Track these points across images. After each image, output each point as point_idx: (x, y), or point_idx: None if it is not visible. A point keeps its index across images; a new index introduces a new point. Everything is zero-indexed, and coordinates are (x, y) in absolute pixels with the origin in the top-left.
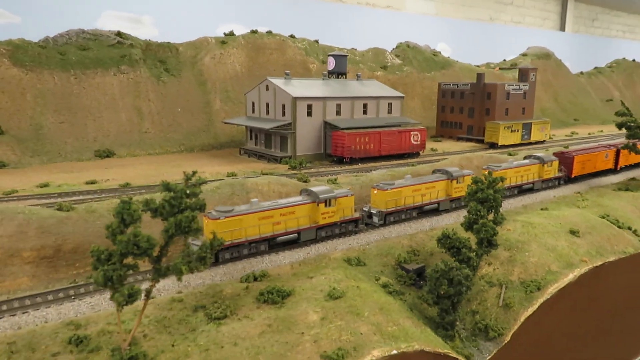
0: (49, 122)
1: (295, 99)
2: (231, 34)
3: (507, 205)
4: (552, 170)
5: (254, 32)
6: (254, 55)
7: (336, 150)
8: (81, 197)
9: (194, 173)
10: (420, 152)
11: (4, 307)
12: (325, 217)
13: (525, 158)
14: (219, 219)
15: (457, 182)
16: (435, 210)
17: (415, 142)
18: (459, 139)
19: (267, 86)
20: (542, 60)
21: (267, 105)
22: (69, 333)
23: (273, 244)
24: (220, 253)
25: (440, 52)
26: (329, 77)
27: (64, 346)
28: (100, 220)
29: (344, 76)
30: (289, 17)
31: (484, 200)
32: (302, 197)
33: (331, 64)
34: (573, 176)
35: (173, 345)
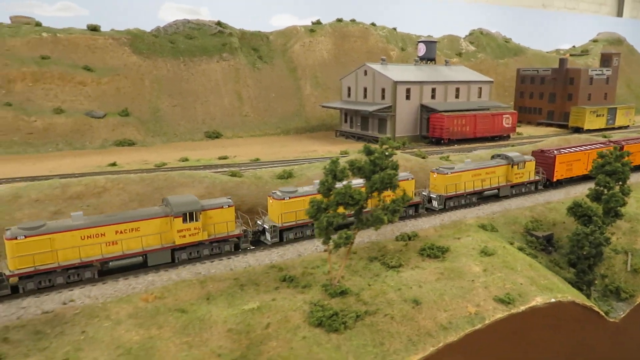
0: (164, 105)
1: (396, 83)
2: (318, 22)
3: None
4: (526, 173)
5: (339, 20)
6: (339, 42)
7: (434, 131)
8: (241, 168)
9: (388, 139)
10: (510, 135)
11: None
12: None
13: (492, 158)
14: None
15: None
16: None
17: (506, 125)
18: (539, 124)
19: (365, 71)
20: (613, 46)
21: (365, 89)
22: (279, 274)
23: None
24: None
25: (511, 39)
26: (420, 62)
27: (279, 283)
28: (267, 186)
29: (433, 62)
30: (369, 5)
31: (612, 172)
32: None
33: (421, 50)
34: (555, 180)
35: (369, 285)
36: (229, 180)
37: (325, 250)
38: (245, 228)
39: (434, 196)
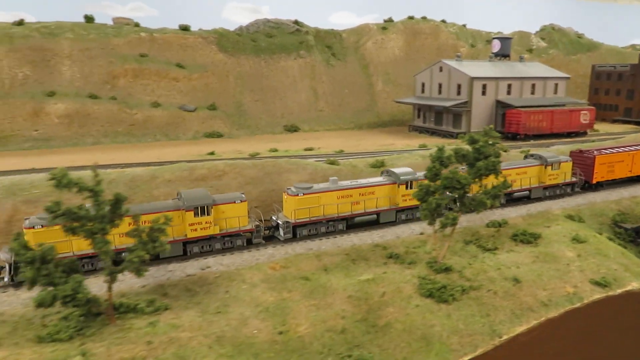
0: (247, 100)
1: (473, 79)
2: (390, 20)
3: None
4: (560, 175)
5: (410, 18)
6: (410, 39)
7: (510, 127)
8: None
9: (488, 131)
10: (587, 132)
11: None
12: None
13: (525, 157)
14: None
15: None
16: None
17: (584, 122)
18: (615, 121)
19: (440, 67)
20: None
21: (440, 85)
22: (384, 252)
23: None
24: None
25: (584, 34)
26: (494, 58)
27: (386, 259)
28: (362, 173)
29: (508, 58)
30: (438, 1)
31: None
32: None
33: (496, 46)
34: (594, 182)
35: (470, 264)
36: (328, 167)
37: (435, 231)
38: (257, 223)
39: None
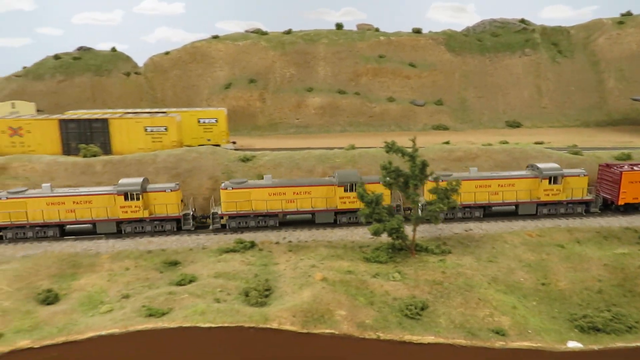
0: (470, 96)
1: None
2: (628, 14)
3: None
4: (564, 191)
5: None
6: None
7: None
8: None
9: None
10: None
11: None
12: None
13: (527, 168)
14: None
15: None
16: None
17: None
18: None
19: None
20: None
21: None
22: (635, 234)
23: None
24: None
25: None
26: None
27: (638, 239)
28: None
29: None
30: None
31: None
32: None
33: None
34: (621, 203)
35: None
36: (572, 157)
37: None
38: (186, 212)
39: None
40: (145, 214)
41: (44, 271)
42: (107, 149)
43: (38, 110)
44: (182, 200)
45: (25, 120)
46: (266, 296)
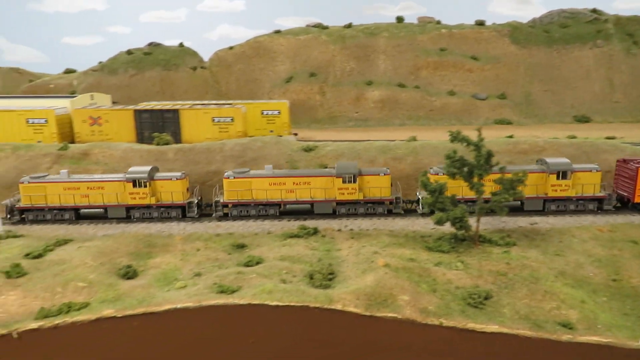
0: (535, 90)
1: None
2: None
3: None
4: (573, 187)
5: None
6: None
7: None
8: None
9: None
10: None
11: None
12: None
13: (537, 162)
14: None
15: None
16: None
17: None
18: None
19: None
20: None
21: None
22: None
23: None
24: None
25: None
26: None
27: None
28: None
29: None
30: None
31: None
32: None
33: None
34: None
35: None
36: None
37: None
38: (191, 200)
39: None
40: (152, 201)
41: (123, 249)
42: (177, 138)
43: (113, 102)
44: (187, 189)
45: (103, 111)
46: (330, 279)
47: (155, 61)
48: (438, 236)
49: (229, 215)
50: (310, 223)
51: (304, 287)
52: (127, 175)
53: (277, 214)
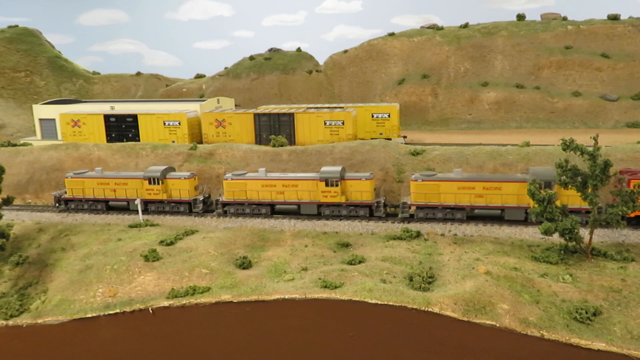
0: None
1: None
2: None
3: None
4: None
5: None
6: None
7: None
8: None
9: None
10: None
11: None
12: None
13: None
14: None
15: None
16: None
17: None
18: None
19: None
20: None
21: None
22: None
23: None
24: None
25: None
26: None
27: None
28: None
29: None
30: None
31: None
32: None
33: None
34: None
35: None
36: None
37: None
38: (197, 197)
39: (404, 202)
40: (164, 197)
41: (240, 241)
42: (291, 140)
43: (236, 105)
44: (195, 187)
45: (227, 114)
46: (429, 283)
47: (275, 65)
48: (547, 246)
49: (227, 213)
50: (413, 226)
51: (403, 288)
52: (145, 174)
53: (269, 214)
